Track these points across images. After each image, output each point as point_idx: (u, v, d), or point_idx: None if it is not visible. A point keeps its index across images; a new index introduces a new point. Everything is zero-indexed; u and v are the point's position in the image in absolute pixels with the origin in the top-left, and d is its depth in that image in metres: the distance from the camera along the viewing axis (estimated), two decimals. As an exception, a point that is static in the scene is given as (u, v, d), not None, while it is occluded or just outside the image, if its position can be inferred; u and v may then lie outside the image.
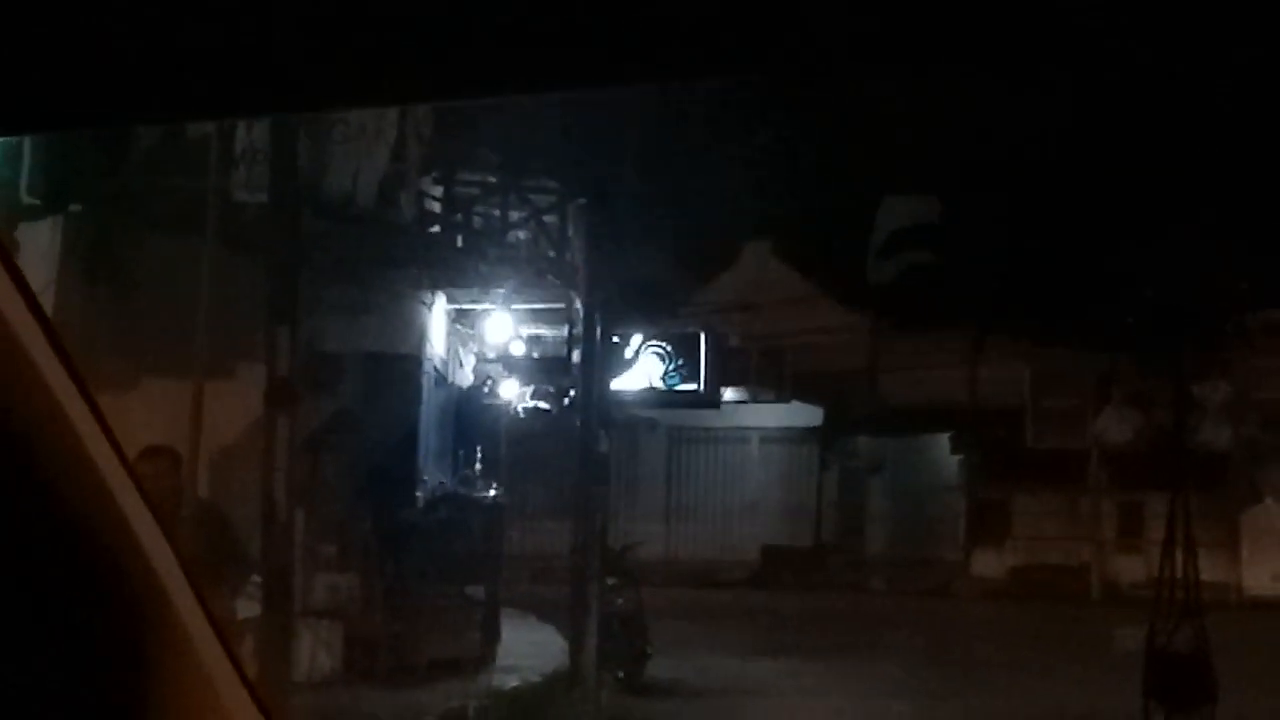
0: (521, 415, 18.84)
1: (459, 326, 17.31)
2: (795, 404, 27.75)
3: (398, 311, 14.23)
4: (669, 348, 28.15)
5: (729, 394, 27.88)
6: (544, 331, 17.80)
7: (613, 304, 17.49)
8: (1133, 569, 24.82)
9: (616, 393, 16.57)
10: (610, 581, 12.96)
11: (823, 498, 27.72)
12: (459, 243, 15.07)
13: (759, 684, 14.94)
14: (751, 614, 21.01)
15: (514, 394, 18.38)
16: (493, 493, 16.17)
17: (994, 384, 26.21)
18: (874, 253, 25.35)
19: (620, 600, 13.16)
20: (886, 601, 24.10)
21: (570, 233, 14.64)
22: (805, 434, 28.12)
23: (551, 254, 15.26)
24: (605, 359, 14.76)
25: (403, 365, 14.29)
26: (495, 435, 18.56)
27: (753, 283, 28.01)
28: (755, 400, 27.75)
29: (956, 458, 27.15)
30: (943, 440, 27.15)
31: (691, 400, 28.01)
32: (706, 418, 28.08)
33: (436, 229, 14.98)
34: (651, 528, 28.52)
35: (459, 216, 14.88)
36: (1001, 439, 26.30)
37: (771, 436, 28.62)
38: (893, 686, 14.54)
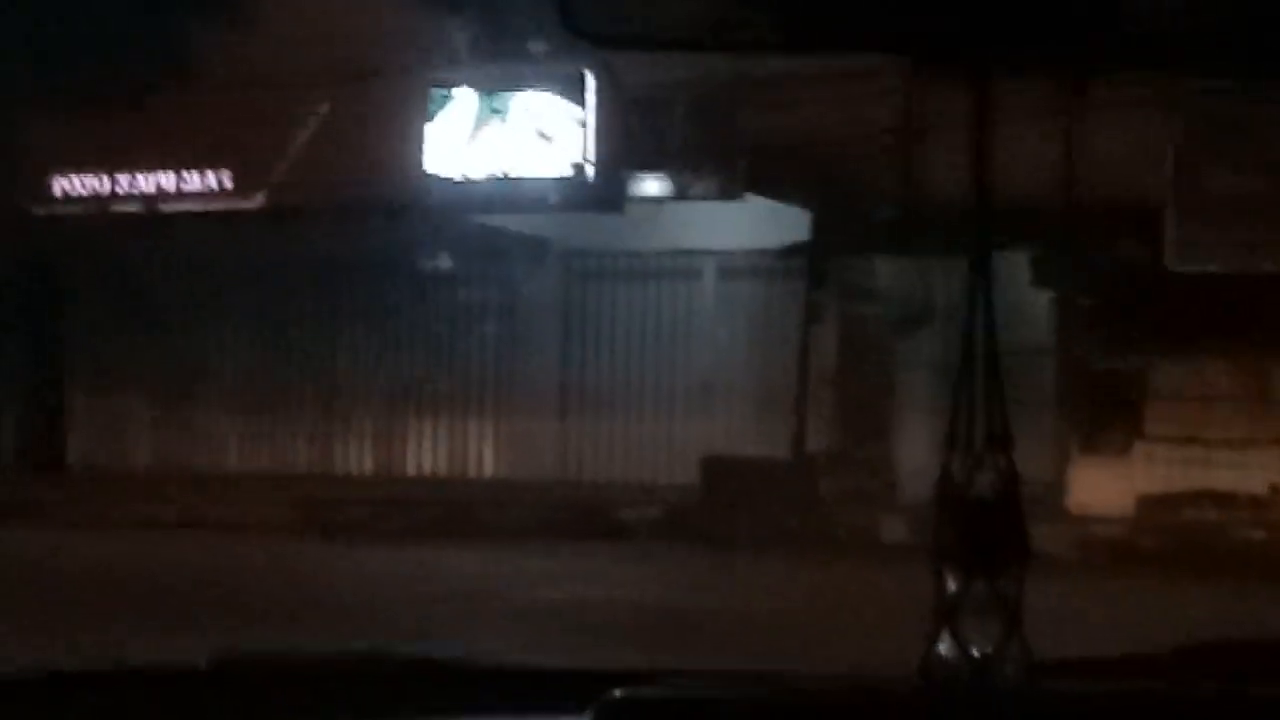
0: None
1: None
2: (754, 201, 15.64)
3: None
4: (533, 96, 16.37)
5: (643, 185, 15.94)
6: None
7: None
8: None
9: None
10: None
11: (808, 372, 15.80)
12: None
13: None
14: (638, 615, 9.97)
15: None
16: None
17: (1108, 158, 13.88)
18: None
19: None
20: (909, 569, 12.79)
21: None
22: (778, 258, 16.24)
23: None
24: None
25: None
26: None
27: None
28: (683, 196, 15.70)
29: (1045, 294, 15.01)
30: (1021, 263, 14.86)
31: (572, 194, 16.51)
32: (614, 234, 16.58)
33: None
34: (538, 426, 17.60)
35: None
36: (1126, 257, 14.25)
37: (729, 265, 16.81)
38: None
